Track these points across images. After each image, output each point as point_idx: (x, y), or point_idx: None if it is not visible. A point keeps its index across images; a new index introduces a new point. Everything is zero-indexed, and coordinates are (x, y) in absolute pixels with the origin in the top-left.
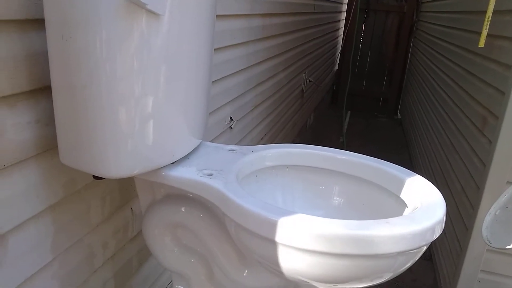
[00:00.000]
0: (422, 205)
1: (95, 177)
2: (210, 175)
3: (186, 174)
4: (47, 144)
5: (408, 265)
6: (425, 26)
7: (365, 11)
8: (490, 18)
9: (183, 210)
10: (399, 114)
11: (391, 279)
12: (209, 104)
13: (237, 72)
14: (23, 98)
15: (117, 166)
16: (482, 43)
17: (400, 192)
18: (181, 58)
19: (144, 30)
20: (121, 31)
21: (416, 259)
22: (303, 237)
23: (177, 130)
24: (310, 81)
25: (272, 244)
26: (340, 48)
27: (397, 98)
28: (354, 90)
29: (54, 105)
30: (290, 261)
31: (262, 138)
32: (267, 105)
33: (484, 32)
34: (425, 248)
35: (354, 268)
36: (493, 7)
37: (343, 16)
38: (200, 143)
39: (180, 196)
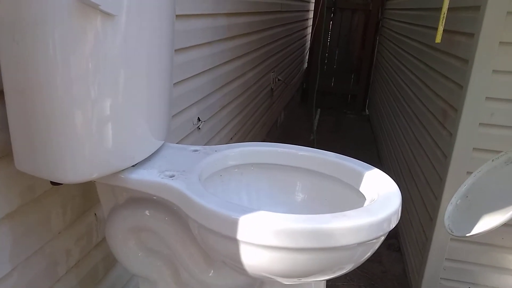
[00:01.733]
0: (379, 196)
1: (53, 183)
2: (172, 176)
3: (147, 176)
4: (2, 151)
5: (368, 254)
6: (390, 23)
7: (332, 10)
8: (445, 14)
9: (147, 214)
10: (367, 111)
11: (361, 272)
12: (171, 105)
13: (202, 72)
14: None
15: (74, 171)
16: (438, 39)
17: (360, 185)
18: (139, 59)
19: (99, 31)
20: (74, 32)
21: (376, 248)
22: (263, 234)
23: (137, 132)
24: (279, 79)
25: (234, 242)
26: (308, 46)
27: (364, 94)
28: (323, 88)
29: (7, 109)
30: (253, 258)
31: (231, 138)
32: (235, 105)
33: (440, 28)
34: (383, 238)
35: (315, 261)
36: (447, 4)
37: (311, 14)
38: (163, 144)
39: (144, 199)
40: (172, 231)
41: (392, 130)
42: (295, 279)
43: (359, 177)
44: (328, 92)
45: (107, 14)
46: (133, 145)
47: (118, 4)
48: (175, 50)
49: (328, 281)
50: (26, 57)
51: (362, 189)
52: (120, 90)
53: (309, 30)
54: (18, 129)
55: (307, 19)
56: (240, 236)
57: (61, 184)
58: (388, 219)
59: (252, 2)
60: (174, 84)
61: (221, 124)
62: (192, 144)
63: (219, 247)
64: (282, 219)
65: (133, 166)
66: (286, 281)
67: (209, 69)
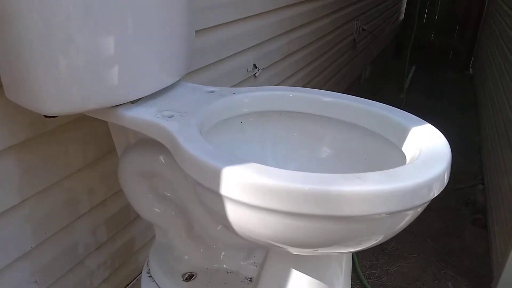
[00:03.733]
0: (420, 154)
1: (46, 116)
2: (170, 116)
3: (142, 115)
4: None
5: (402, 225)
6: None
7: None
8: None
9: (160, 159)
10: (470, 70)
11: (435, 245)
12: (191, 36)
13: (262, 13)
14: None
15: (58, 102)
16: None
17: (403, 144)
18: None
19: None
20: None
21: (413, 218)
22: (248, 190)
23: (137, 66)
24: (363, 29)
25: (218, 197)
26: None
27: (469, 52)
28: (421, 42)
29: None
30: (239, 218)
31: None
32: (304, 54)
33: None
34: (420, 209)
35: (322, 230)
36: None
37: None
38: (177, 82)
39: (155, 142)
40: (183, 180)
41: (495, 94)
42: (304, 249)
43: (404, 133)
44: (427, 47)
45: None
46: (129, 80)
47: None
48: None
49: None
50: None
51: (405, 147)
52: (113, 14)
53: None
54: (2, 55)
55: None
56: (223, 190)
57: (54, 116)
58: (424, 186)
59: None
60: (224, 24)
61: (284, 74)
62: None
63: (205, 200)
64: (273, 175)
65: (132, 102)
66: (293, 250)
67: (273, 10)
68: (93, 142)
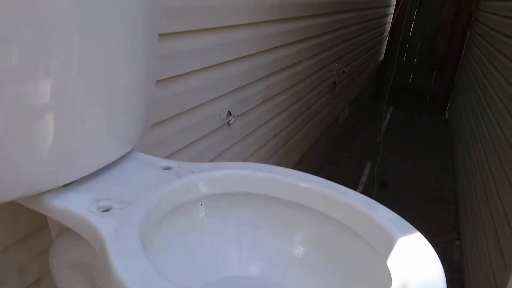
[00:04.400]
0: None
1: None
2: (107, 210)
3: (72, 206)
4: None
5: None
6: (485, 17)
7: None
8: None
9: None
10: (447, 114)
11: None
12: (149, 92)
13: (238, 58)
14: None
15: None
16: None
17: (387, 256)
18: (81, 30)
19: None
20: None
21: None
22: None
23: (75, 138)
24: (344, 72)
25: None
26: (386, 37)
27: (446, 95)
28: (399, 84)
29: None
30: None
31: (275, 136)
32: (283, 98)
33: None
34: None
35: None
36: None
37: (393, 1)
38: (129, 153)
39: None
40: None
41: (471, 142)
42: None
43: (389, 243)
44: (405, 89)
45: None
46: (63, 158)
47: None
48: (205, 29)
49: None
50: None
51: (390, 262)
52: (42, 73)
53: (390, 18)
54: None
55: (387, 6)
56: None
57: None
58: None
59: None
60: (198, 70)
61: (261, 119)
62: (219, 142)
63: None
64: None
65: (64, 186)
66: None
67: (249, 55)
68: (26, 212)
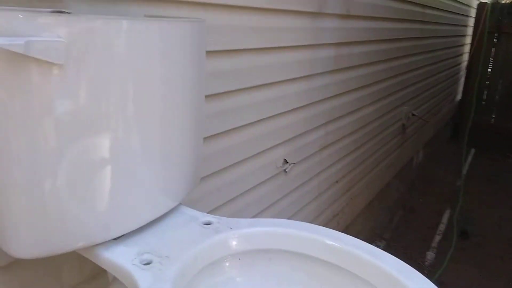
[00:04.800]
0: None
1: None
2: (148, 263)
3: (119, 258)
4: None
5: None
6: None
7: (494, 35)
8: None
9: None
10: None
11: None
12: (196, 157)
13: (293, 110)
14: None
15: (18, 246)
16: None
17: None
18: (132, 106)
19: (39, 86)
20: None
21: None
22: None
23: (127, 195)
24: (413, 115)
25: None
26: (463, 75)
27: None
28: (481, 124)
29: None
30: None
31: (337, 181)
32: (345, 143)
33: None
34: None
35: None
36: None
37: (468, 39)
38: (175, 208)
39: None
40: None
41: None
42: None
43: None
44: (487, 130)
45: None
46: (116, 214)
47: (58, 49)
48: (265, 85)
49: None
50: None
51: None
52: (98, 133)
53: (465, 57)
54: None
55: (461, 45)
56: None
57: None
58: None
59: (376, 29)
60: (256, 121)
61: (321, 166)
62: (275, 189)
63: None
64: None
65: (115, 239)
66: None
67: (304, 105)
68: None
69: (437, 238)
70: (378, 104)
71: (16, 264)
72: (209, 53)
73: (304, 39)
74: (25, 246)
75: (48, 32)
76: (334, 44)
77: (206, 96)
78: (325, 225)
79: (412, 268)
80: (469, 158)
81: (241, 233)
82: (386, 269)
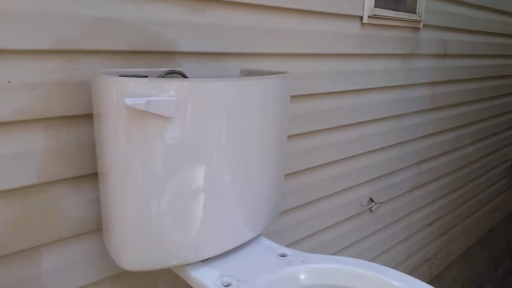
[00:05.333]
0: None
1: None
2: (228, 285)
3: (204, 278)
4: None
5: None
6: None
7: None
8: None
9: None
10: None
11: None
12: (277, 192)
13: (379, 148)
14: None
15: (136, 260)
16: None
17: None
18: (226, 147)
19: (154, 132)
20: (130, 133)
21: None
22: None
23: (220, 223)
24: None
25: None
26: None
27: None
28: None
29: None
30: None
31: (430, 224)
32: (440, 184)
33: None
34: None
35: None
36: None
37: None
38: (255, 238)
39: None
40: None
41: None
42: None
43: None
44: None
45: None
46: (208, 239)
47: (170, 106)
48: (342, 126)
49: None
50: (102, 150)
51: None
52: (198, 183)
53: None
54: (102, 205)
55: None
56: None
57: None
58: None
59: (478, 67)
60: (341, 159)
61: (412, 207)
62: (358, 227)
63: None
64: None
65: (203, 261)
66: None
67: (392, 145)
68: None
69: None
70: (481, 144)
71: (123, 275)
72: (296, 97)
73: (395, 79)
74: (131, 260)
75: (163, 92)
76: (428, 84)
77: (292, 136)
78: (415, 269)
79: None
80: None
81: (312, 268)
82: None
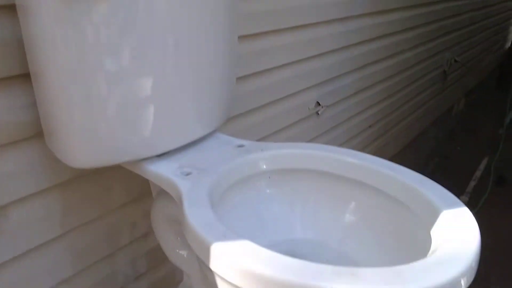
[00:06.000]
0: (437, 253)
1: None
2: (188, 174)
3: (163, 170)
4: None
5: None
6: None
7: None
8: None
9: None
10: None
11: None
12: (229, 91)
13: (327, 52)
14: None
15: (86, 157)
16: None
17: (431, 227)
18: (174, 26)
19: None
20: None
21: None
22: (234, 272)
23: (172, 116)
24: (456, 61)
25: (208, 269)
26: None
27: None
28: None
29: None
30: None
31: (370, 126)
32: (380, 89)
33: None
34: None
35: None
36: None
37: None
38: (211, 133)
39: None
40: None
41: None
42: None
43: (434, 215)
44: None
45: None
46: (162, 132)
47: None
48: (297, 27)
49: None
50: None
51: (433, 231)
52: (143, 66)
53: None
54: (40, 107)
55: None
56: (211, 265)
57: None
58: None
59: None
60: (288, 63)
61: (354, 110)
62: (306, 131)
63: (201, 266)
64: (263, 261)
65: (158, 156)
66: None
67: (338, 48)
68: (138, 180)
69: (472, 183)
70: (417, 50)
71: (73, 182)
72: None
73: None
74: (80, 158)
75: None
76: None
77: (242, 37)
78: None
79: (429, 179)
80: None
81: (271, 154)
82: (404, 180)
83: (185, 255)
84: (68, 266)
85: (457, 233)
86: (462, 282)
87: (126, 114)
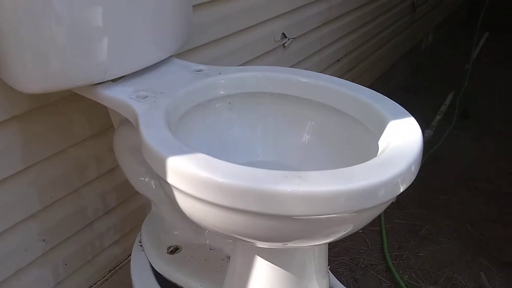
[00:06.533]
0: (382, 154)
1: None
2: (144, 97)
3: (118, 94)
4: None
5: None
6: None
7: None
8: None
9: None
10: None
11: None
12: (185, 9)
13: None
14: None
15: (25, 80)
16: None
17: (379, 136)
18: None
19: None
20: None
21: (374, 215)
22: (190, 182)
23: (126, 39)
24: None
25: (166, 184)
26: None
27: None
28: (499, 6)
29: None
30: (186, 207)
31: (338, 60)
32: (348, 20)
33: None
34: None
35: (267, 226)
36: None
37: None
38: (168, 59)
39: None
40: None
41: None
42: (263, 242)
43: (382, 125)
44: (505, 13)
45: None
46: (115, 56)
47: None
48: None
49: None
50: None
51: (380, 140)
52: None
53: None
54: None
55: None
56: (169, 179)
57: None
58: (373, 189)
59: None
60: None
61: (322, 43)
62: (272, 64)
63: (161, 184)
64: (215, 169)
65: (113, 81)
66: (256, 243)
67: None
68: (100, 112)
69: (438, 118)
70: None
71: (32, 114)
72: None
73: None
74: (31, 83)
75: None
76: None
77: None
78: None
79: (381, 95)
80: (482, 42)
81: (229, 77)
82: (361, 98)
83: (153, 185)
84: (35, 201)
85: (401, 139)
86: (400, 184)
87: (76, 37)
